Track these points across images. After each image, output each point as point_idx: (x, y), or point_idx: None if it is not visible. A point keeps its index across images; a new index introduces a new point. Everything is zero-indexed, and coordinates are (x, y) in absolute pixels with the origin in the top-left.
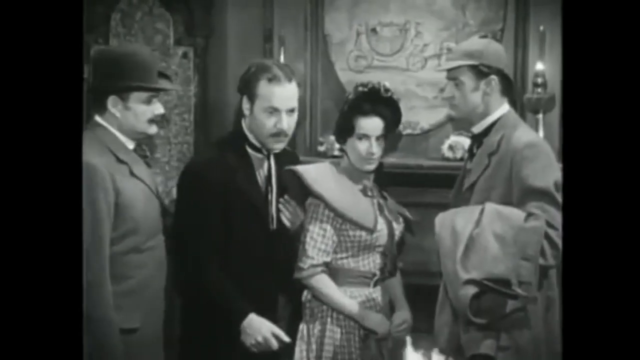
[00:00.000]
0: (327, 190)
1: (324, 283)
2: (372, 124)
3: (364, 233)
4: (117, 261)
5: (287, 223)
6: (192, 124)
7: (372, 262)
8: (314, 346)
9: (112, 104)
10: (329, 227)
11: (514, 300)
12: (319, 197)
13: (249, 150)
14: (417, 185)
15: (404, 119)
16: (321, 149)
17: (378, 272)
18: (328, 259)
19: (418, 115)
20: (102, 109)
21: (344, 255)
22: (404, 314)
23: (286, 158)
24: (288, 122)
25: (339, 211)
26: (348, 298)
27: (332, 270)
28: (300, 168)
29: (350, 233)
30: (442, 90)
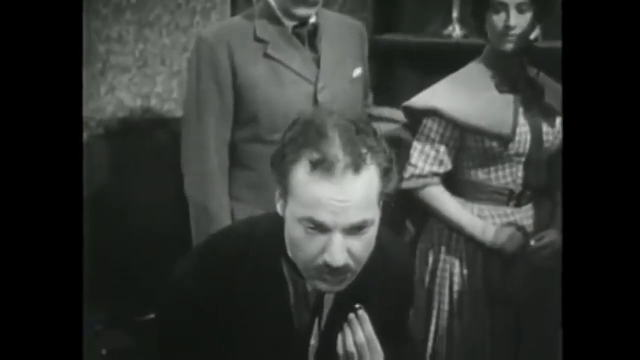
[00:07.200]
0: (444, 99)
1: (432, 197)
2: None
3: (495, 143)
4: (239, 148)
5: None
6: None
7: (509, 175)
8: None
9: None
10: (444, 134)
11: None
12: (434, 113)
13: (286, 271)
14: None
15: None
16: None
17: (519, 188)
18: (440, 170)
19: None
20: None
21: (469, 164)
22: (552, 233)
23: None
24: (349, 250)
25: (461, 120)
26: (468, 212)
27: (452, 183)
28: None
29: (478, 141)
30: None
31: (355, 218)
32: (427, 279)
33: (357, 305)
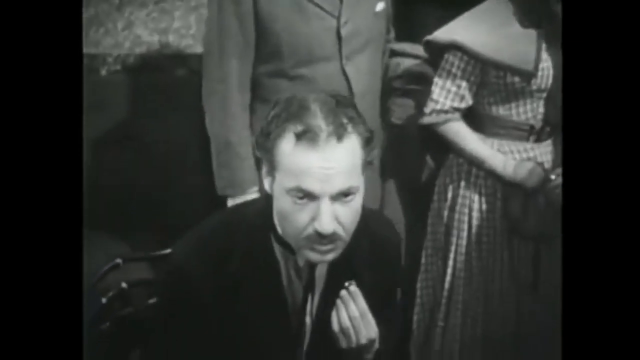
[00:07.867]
0: (465, 33)
1: (453, 132)
2: None
3: (517, 79)
4: (261, 83)
5: (341, 340)
6: None
7: (530, 111)
8: (444, 219)
9: None
10: (465, 69)
11: None
12: (456, 48)
13: (276, 246)
14: None
15: None
16: None
17: (540, 124)
18: (461, 105)
19: None
20: None
21: (490, 99)
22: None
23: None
24: (337, 217)
25: (483, 55)
26: (488, 147)
27: (473, 118)
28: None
29: (500, 77)
30: None
31: (341, 185)
32: (445, 214)
33: (346, 284)
